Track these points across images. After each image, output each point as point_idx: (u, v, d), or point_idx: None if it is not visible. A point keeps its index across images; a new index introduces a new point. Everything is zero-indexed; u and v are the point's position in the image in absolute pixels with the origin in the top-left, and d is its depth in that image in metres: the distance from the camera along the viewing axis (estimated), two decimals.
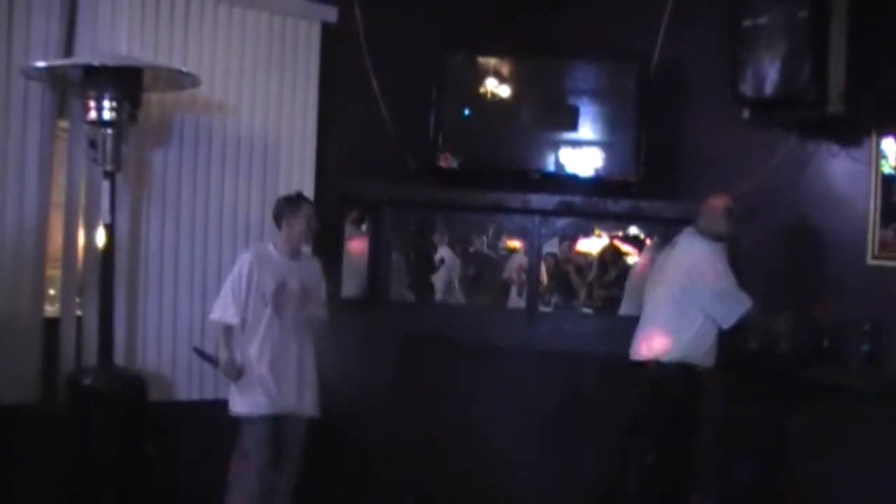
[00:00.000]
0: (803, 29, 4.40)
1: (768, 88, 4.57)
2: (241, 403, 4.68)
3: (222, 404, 5.02)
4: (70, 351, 4.86)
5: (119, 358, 4.85)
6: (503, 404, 5.33)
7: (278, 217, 4.79)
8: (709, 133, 5.36)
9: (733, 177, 5.10)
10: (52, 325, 4.85)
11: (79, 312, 4.92)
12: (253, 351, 4.66)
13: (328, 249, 5.43)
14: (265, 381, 4.65)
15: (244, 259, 4.72)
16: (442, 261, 5.75)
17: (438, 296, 5.68)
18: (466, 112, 5.73)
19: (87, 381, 4.64)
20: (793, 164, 4.90)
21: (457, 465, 5.41)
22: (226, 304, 4.66)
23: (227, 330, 4.67)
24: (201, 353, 4.90)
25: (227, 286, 4.69)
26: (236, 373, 4.64)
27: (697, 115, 5.46)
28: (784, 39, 4.47)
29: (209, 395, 5.23)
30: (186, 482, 4.92)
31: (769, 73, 4.55)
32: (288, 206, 4.79)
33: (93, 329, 4.81)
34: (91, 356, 4.79)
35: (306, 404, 4.75)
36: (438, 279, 5.74)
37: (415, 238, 5.77)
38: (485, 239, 5.63)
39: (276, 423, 4.69)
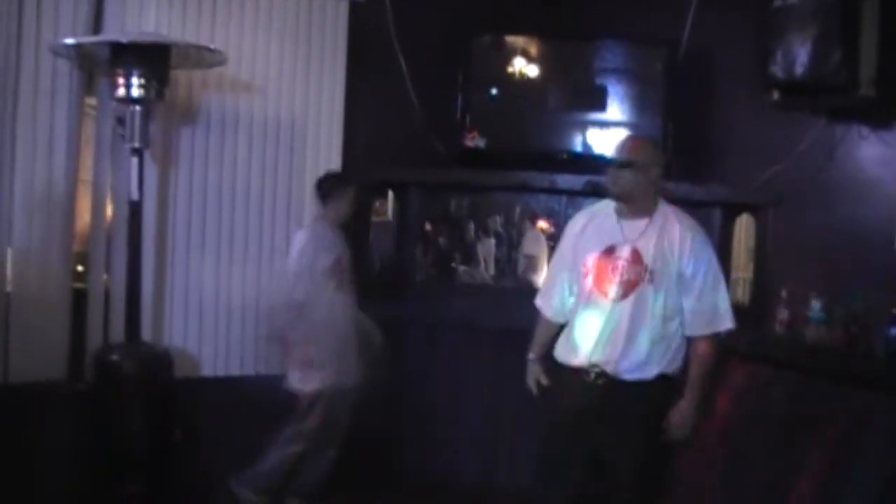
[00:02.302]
0: (834, 11, 4.34)
1: (798, 71, 4.52)
2: (318, 379, 4.75)
3: (248, 380, 5.07)
4: (97, 328, 4.91)
5: (146, 334, 4.89)
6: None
7: (328, 192, 4.88)
8: (737, 116, 5.32)
9: (762, 160, 5.06)
10: (79, 302, 4.89)
11: (106, 289, 4.95)
12: (323, 326, 4.77)
13: (355, 231, 5.44)
14: (334, 355, 4.75)
15: (306, 238, 4.81)
16: (473, 242, 5.74)
17: (465, 277, 5.68)
18: (494, 93, 5.71)
19: (115, 357, 4.68)
20: (822, 148, 4.85)
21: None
22: (298, 283, 4.74)
23: (299, 308, 4.73)
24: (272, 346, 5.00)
25: (296, 266, 4.76)
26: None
27: (726, 98, 5.42)
28: (814, 22, 4.41)
29: (235, 371, 5.27)
30: (212, 458, 4.96)
31: (799, 56, 4.50)
32: (339, 182, 4.94)
33: (120, 306, 4.85)
34: (118, 333, 4.83)
35: (359, 377, 4.85)
36: (469, 259, 5.73)
37: (445, 219, 5.76)
38: (513, 219, 5.60)
39: (344, 396, 4.80)
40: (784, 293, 4.82)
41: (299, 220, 5.39)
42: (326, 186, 4.91)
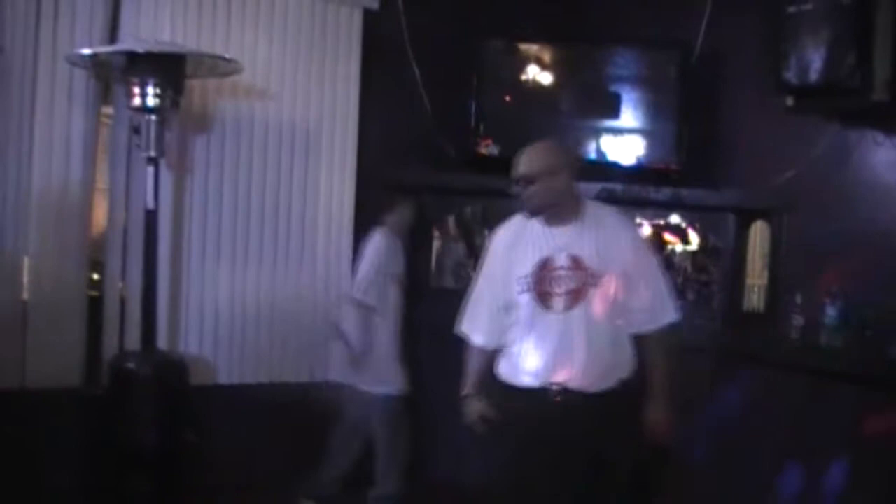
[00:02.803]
0: (848, 15, 4.33)
1: (812, 76, 4.51)
2: (395, 382, 5.02)
3: (263, 388, 5.08)
4: (113, 335, 4.94)
5: (161, 342, 4.91)
6: None
7: (392, 203, 5.15)
8: (751, 121, 5.30)
9: (776, 166, 5.04)
10: (95, 309, 4.92)
11: (122, 297, 4.98)
12: (390, 331, 5.01)
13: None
14: (397, 360, 5.03)
15: (381, 244, 5.03)
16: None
17: None
18: (507, 99, 5.70)
19: (130, 364, 4.70)
20: (836, 152, 4.83)
21: None
22: (370, 288, 4.94)
23: (368, 312, 4.93)
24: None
25: (369, 274, 4.95)
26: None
27: (740, 103, 5.39)
28: (828, 26, 4.40)
29: (250, 378, 5.28)
30: (226, 466, 4.97)
31: (813, 61, 4.49)
32: (403, 193, 5.24)
33: (136, 313, 4.87)
34: (134, 340, 4.85)
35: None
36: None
37: (459, 224, 5.77)
38: None
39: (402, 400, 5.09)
40: (799, 298, 4.81)
41: (314, 226, 5.42)
42: (391, 197, 5.17)
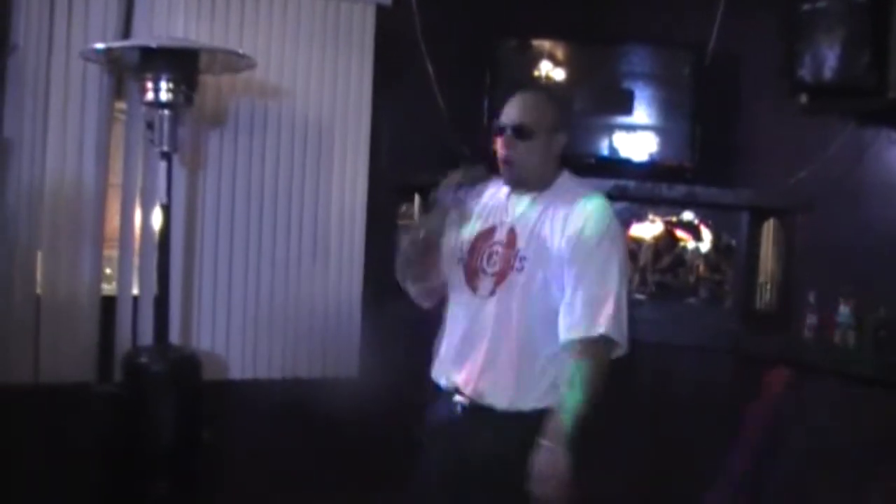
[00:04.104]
0: (863, 14, 4.32)
1: (827, 74, 4.50)
2: None
3: (276, 384, 5.08)
4: (126, 330, 4.95)
5: (174, 337, 4.91)
6: None
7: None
8: (765, 120, 5.29)
9: (790, 164, 5.03)
10: (108, 304, 4.93)
11: (135, 292, 4.99)
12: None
13: (381, 235, 5.46)
14: None
15: None
16: None
17: None
18: None
19: (143, 360, 4.70)
20: (851, 151, 4.82)
21: None
22: None
23: None
24: None
25: None
26: None
27: (753, 101, 5.39)
28: (843, 25, 4.39)
29: (263, 374, 5.29)
30: (240, 460, 4.98)
31: (828, 59, 4.47)
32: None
33: (149, 309, 4.89)
34: (147, 336, 4.86)
35: None
36: None
37: None
38: None
39: None
40: (812, 298, 4.80)
41: (327, 222, 5.42)
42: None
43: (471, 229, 3.06)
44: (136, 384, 4.65)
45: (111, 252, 5.04)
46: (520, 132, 2.96)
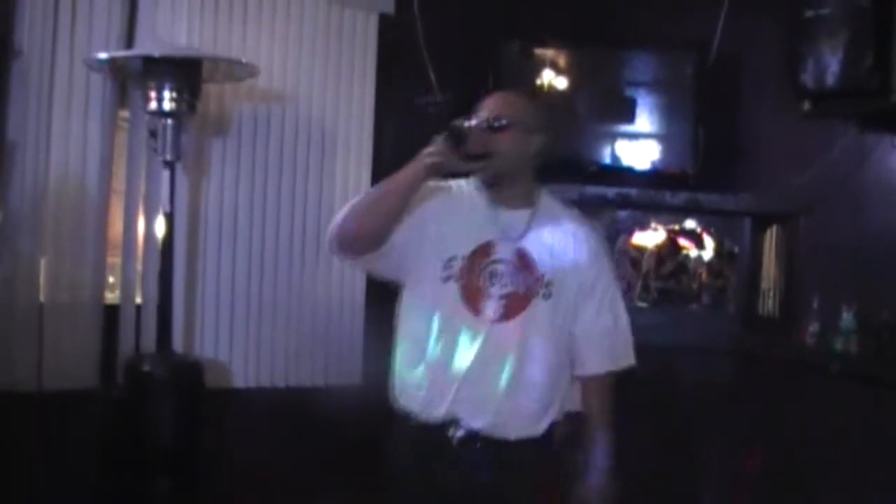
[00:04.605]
0: (866, 18, 4.32)
1: (830, 79, 4.50)
2: None
3: (279, 392, 5.07)
4: (129, 337, 4.94)
5: (177, 345, 4.92)
6: None
7: None
8: (767, 125, 5.30)
9: (793, 169, 5.03)
10: (111, 311, 4.93)
11: (138, 299, 4.99)
12: None
13: None
14: None
15: None
16: None
17: None
18: None
19: (146, 367, 4.70)
20: (853, 156, 4.81)
21: None
22: None
23: None
24: None
25: None
26: None
27: (756, 106, 5.39)
28: (846, 29, 4.39)
29: (266, 381, 5.28)
30: (242, 470, 4.97)
31: (831, 64, 4.48)
32: None
33: (152, 316, 4.88)
34: (150, 343, 4.86)
35: None
36: None
37: None
38: None
39: None
40: (815, 303, 4.80)
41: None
42: None
43: (459, 240, 2.81)
44: (139, 391, 4.65)
45: (114, 259, 5.04)
46: (494, 125, 2.80)
